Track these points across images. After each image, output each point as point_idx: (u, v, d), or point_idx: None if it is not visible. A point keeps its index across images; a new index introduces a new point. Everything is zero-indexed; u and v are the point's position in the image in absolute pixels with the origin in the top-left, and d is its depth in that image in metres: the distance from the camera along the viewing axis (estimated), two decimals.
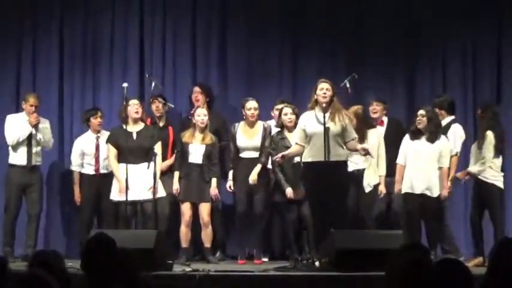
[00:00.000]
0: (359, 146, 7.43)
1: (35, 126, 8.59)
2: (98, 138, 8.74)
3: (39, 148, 8.67)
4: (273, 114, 8.68)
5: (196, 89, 8.86)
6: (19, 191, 8.59)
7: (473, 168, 8.05)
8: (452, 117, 8.45)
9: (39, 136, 8.61)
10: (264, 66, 9.59)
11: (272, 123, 8.56)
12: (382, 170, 8.28)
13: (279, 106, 8.45)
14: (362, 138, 7.99)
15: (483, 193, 8.03)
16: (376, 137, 8.31)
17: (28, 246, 8.44)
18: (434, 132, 7.96)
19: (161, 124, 8.74)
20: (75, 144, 8.93)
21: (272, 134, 8.22)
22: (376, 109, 8.61)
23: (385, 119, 8.67)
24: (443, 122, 8.32)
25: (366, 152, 7.43)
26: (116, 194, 8.10)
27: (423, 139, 7.97)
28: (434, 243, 7.94)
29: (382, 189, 8.26)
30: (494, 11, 9.54)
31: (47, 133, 8.72)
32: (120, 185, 7.99)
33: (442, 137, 8.03)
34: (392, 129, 8.59)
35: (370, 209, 8.29)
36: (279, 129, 8.23)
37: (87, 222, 8.68)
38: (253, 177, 8.18)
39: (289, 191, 8.01)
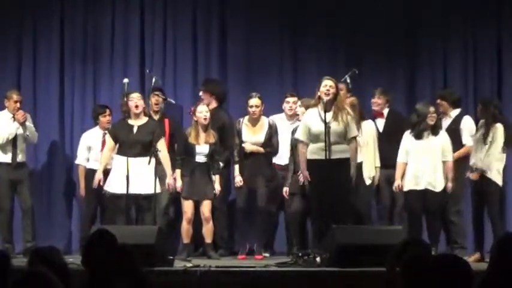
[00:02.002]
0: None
1: (23, 124, 8.55)
2: (104, 134, 8.72)
3: (24, 145, 8.63)
4: (285, 108, 8.68)
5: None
6: (9, 188, 8.52)
7: (479, 163, 7.98)
8: (458, 110, 8.46)
9: (27, 133, 8.58)
10: (264, 63, 9.59)
11: (281, 116, 8.62)
12: (377, 162, 8.34)
13: (291, 99, 8.53)
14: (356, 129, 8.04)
15: (484, 189, 7.99)
16: (370, 128, 8.30)
17: (26, 241, 8.43)
18: (438, 126, 8.03)
19: (156, 118, 8.64)
20: (82, 138, 8.94)
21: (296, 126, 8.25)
22: (377, 102, 8.61)
23: (385, 111, 8.66)
24: (453, 115, 8.37)
25: None
26: (110, 186, 8.02)
27: (425, 134, 8.00)
28: (436, 239, 7.94)
29: (376, 180, 8.33)
30: (494, 10, 9.55)
31: (32, 129, 8.69)
32: (97, 176, 7.97)
33: (442, 131, 8.08)
34: (392, 121, 8.55)
35: (368, 203, 8.31)
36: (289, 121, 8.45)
37: (90, 216, 8.71)
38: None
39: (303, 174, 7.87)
